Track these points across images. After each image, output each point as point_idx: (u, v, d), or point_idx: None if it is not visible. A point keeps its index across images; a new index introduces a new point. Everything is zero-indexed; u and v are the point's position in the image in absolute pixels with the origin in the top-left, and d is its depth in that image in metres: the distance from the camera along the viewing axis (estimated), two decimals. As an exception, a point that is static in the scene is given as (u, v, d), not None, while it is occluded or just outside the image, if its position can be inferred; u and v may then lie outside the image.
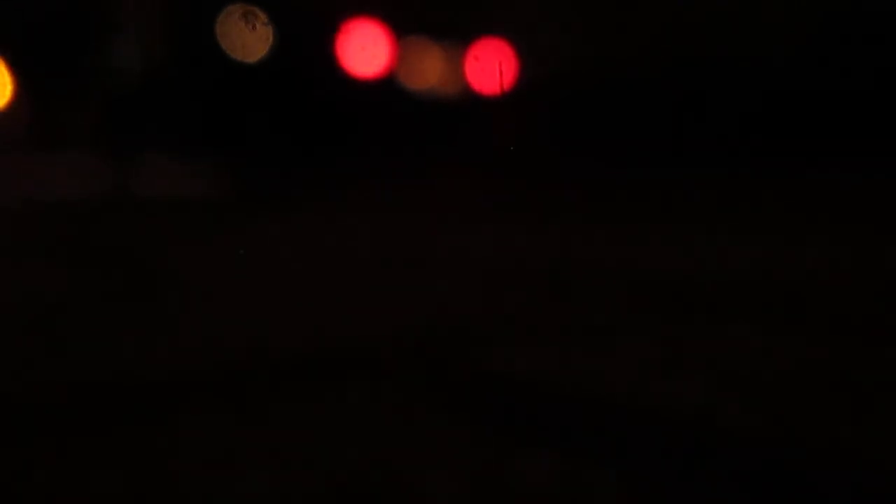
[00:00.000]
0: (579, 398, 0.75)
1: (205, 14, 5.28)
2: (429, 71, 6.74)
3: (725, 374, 0.81)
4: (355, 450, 0.62)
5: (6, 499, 0.55)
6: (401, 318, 1.13)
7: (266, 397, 0.76)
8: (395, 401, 0.75)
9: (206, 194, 4.86)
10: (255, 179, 5.95)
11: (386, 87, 6.38)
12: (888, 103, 4.67)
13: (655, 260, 1.69)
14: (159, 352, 0.94)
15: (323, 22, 5.80)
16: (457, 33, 6.48)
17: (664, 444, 0.63)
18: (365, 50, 6.17)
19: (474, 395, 0.77)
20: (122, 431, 0.67)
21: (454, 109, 6.63)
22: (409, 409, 0.72)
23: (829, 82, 4.89)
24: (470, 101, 6.61)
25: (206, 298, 1.31)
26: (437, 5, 6.26)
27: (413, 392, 0.77)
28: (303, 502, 0.53)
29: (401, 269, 1.61)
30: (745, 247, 1.88)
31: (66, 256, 1.94)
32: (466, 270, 1.59)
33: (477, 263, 1.68)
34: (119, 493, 0.55)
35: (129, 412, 0.73)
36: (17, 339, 1.04)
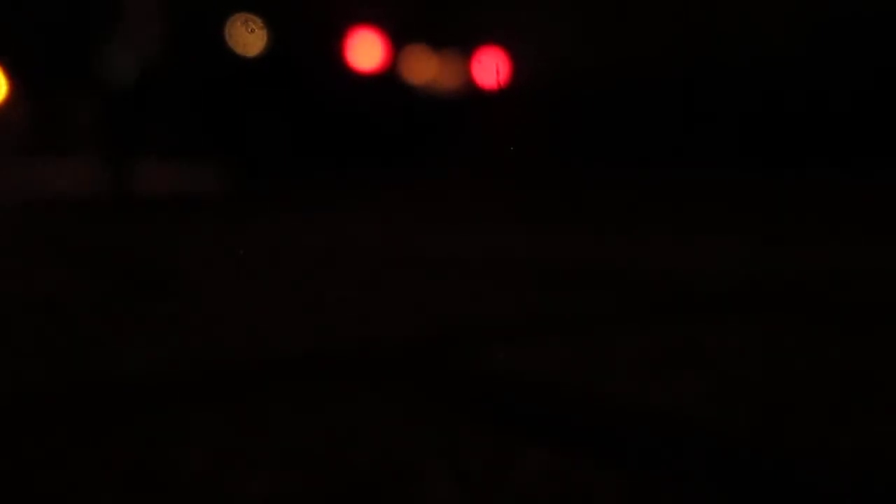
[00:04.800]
0: (579, 398, 0.75)
1: (206, 17, 5.29)
2: (429, 74, 6.76)
3: (725, 374, 0.81)
4: (355, 450, 0.62)
5: (4, 499, 0.55)
6: (400, 318, 1.13)
7: (265, 397, 0.76)
8: (394, 401, 0.74)
9: (206, 194, 4.87)
10: (256, 179, 5.96)
11: (386, 89, 6.40)
12: (887, 104, 4.67)
13: (655, 260, 1.70)
14: (158, 351, 0.94)
15: (323, 27, 5.82)
16: (458, 38, 6.51)
17: (664, 444, 0.63)
18: (364, 54, 6.19)
19: (474, 395, 0.77)
20: (120, 431, 0.67)
21: (455, 111, 6.66)
22: (409, 409, 0.72)
23: (828, 82, 4.90)
24: (471, 104, 6.63)
25: (206, 298, 1.31)
26: (437, 10, 6.28)
27: (413, 392, 0.77)
28: (303, 502, 0.53)
29: (400, 269, 1.61)
30: (744, 247, 1.88)
31: (66, 256, 1.94)
32: (466, 270, 1.59)
33: (476, 263, 1.68)
34: (119, 494, 0.55)
35: (127, 412, 0.73)
36: (16, 339, 1.04)
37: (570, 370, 0.84)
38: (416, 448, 0.62)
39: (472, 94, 6.46)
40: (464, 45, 6.39)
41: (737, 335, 0.98)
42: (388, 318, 1.13)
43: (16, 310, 1.24)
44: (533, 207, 3.46)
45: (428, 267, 1.64)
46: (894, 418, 0.68)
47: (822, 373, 0.81)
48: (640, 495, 0.54)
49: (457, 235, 2.29)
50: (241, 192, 5.11)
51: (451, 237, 2.24)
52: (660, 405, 0.72)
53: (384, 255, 1.85)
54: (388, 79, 6.26)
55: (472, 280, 1.46)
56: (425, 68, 6.41)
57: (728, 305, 1.19)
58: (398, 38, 6.20)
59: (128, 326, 1.09)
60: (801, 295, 1.26)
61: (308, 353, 0.93)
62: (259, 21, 4.81)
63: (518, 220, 2.85)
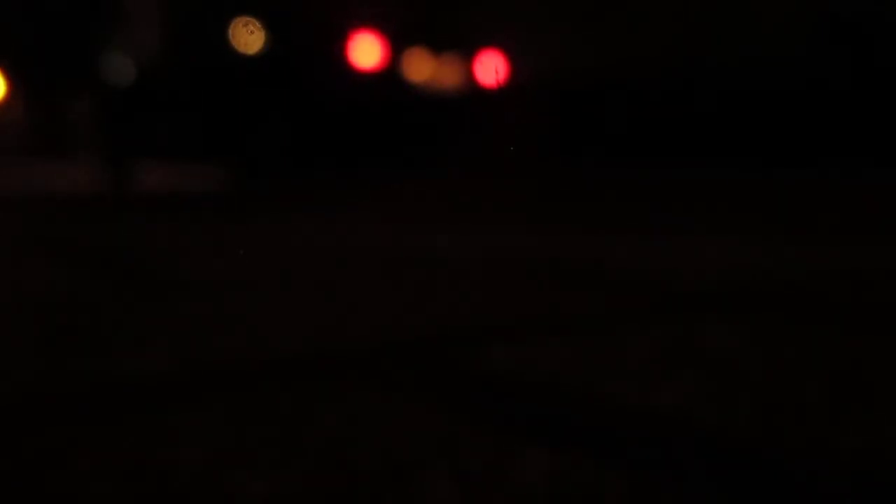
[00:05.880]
0: (579, 398, 0.75)
1: (206, 18, 5.30)
2: (429, 75, 6.77)
3: (725, 374, 0.81)
4: (354, 450, 0.62)
5: (4, 499, 0.55)
6: (400, 317, 1.13)
7: (265, 397, 0.76)
8: (394, 401, 0.74)
9: (206, 194, 4.87)
10: (256, 179, 5.96)
11: (387, 90, 6.40)
12: (887, 104, 4.67)
13: (655, 260, 1.70)
14: (158, 351, 0.94)
15: (324, 29, 5.83)
16: (457, 40, 6.52)
17: (664, 444, 0.63)
18: (365, 56, 6.20)
19: (474, 395, 0.77)
20: (120, 431, 0.67)
21: (454, 112, 6.66)
22: (409, 409, 0.72)
23: (828, 83, 4.90)
24: (470, 105, 6.64)
25: (205, 298, 1.31)
26: (437, 12, 6.29)
27: (412, 392, 0.77)
28: (303, 502, 0.53)
29: (401, 269, 1.61)
30: (744, 247, 1.88)
31: (66, 256, 1.94)
32: (465, 270, 1.59)
33: (476, 263, 1.68)
34: (118, 494, 0.55)
35: (127, 412, 0.73)
36: (16, 339, 1.04)
37: (570, 370, 0.84)
38: (416, 448, 0.62)
39: (473, 96, 6.46)
40: (463, 47, 6.39)
41: (737, 335, 0.98)
42: (389, 317, 1.13)
43: (16, 310, 1.24)
44: (533, 207, 3.46)
45: (428, 267, 1.64)
46: (894, 418, 0.68)
47: (822, 373, 0.81)
48: (640, 495, 0.54)
49: (457, 235, 2.29)
50: (241, 192, 5.11)
51: (451, 237, 2.24)
52: (660, 405, 0.72)
53: (384, 255, 1.85)
54: (388, 80, 6.26)
55: (472, 280, 1.46)
56: (425, 70, 6.41)
57: (728, 305, 1.19)
58: (398, 41, 6.20)
59: (127, 326, 1.09)
60: (800, 295, 1.26)
61: (308, 353, 0.93)
62: (259, 24, 4.85)
63: (518, 219, 2.85)
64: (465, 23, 6.21)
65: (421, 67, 6.44)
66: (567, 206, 3.55)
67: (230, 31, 4.98)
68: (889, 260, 1.65)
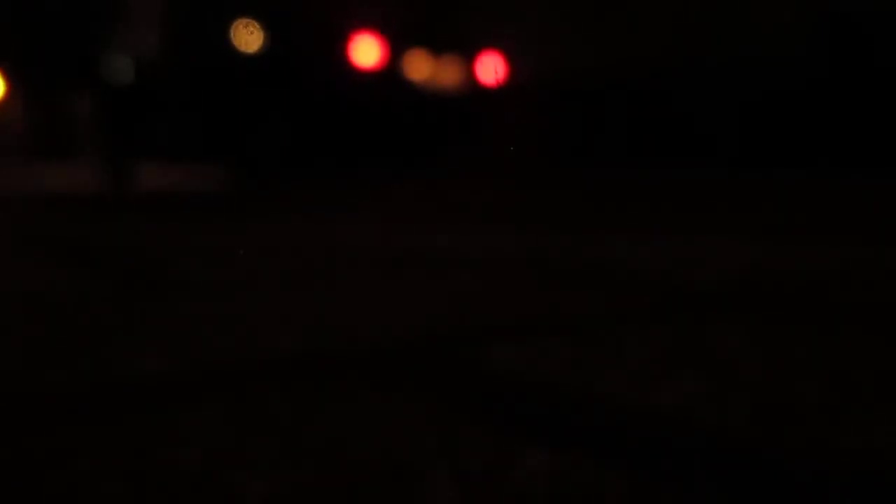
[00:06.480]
0: (579, 398, 0.75)
1: (206, 18, 5.30)
2: (429, 76, 6.77)
3: (725, 374, 0.81)
4: (354, 450, 0.62)
5: (5, 499, 0.55)
6: (400, 317, 1.13)
7: (265, 397, 0.76)
8: (394, 401, 0.74)
9: (206, 194, 4.87)
10: (256, 179, 5.95)
11: (387, 91, 6.40)
12: (887, 104, 4.67)
13: (655, 260, 1.70)
14: (158, 351, 0.94)
15: (325, 30, 5.83)
16: (458, 41, 6.51)
17: (664, 444, 0.63)
18: (365, 57, 6.20)
19: (474, 395, 0.77)
20: (120, 431, 0.67)
21: (454, 111, 6.65)
22: (409, 408, 0.72)
23: (828, 82, 4.89)
24: (470, 104, 6.63)
25: (205, 297, 1.31)
26: (438, 14, 6.29)
27: (412, 392, 0.77)
28: (303, 502, 0.53)
29: (400, 269, 1.61)
30: (744, 247, 1.88)
31: (66, 256, 1.94)
32: (466, 270, 1.59)
33: (476, 263, 1.68)
34: (118, 494, 0.55)
35: (127, 412, 0.73)
36: (16, 339, 1.04)
37: (570, 370, 0.84)
38: (416, 448, 0.62)
39: (473, 96, 6.46)
40: (463, 47, 6.39)
41: (737, 335, 0.98)
42: (389, 318, 1.13)
43: (15, 309, 1.24)
44: (533, 207, 3.46)
45: (428, 267, 1.64)
46: (894, 418, 0.68)
47: (822, 372, 0.81)
48: (640, 495, 0.54)
49: (457, 235, 2.29)
50: (241, 192, 5.11)
51: (451, 237, 2.24)
52: (660, 405, 0.72)
53: (384, 255, 1.85)
54: (388, 80, 6.26)
55: (472, 280, 1.46)
56: (425, 70, 6.41)
57: (728, 305, 1.19)
58: (398, 41, 6.20)
59: (127, 326, 1.09)
60: (800, 295, 1.26)
61: (308, 353, 0.93)
62: (259, 24, 4.87)
63: (518, 219, 2.86)
64: (465, 23, 6.21)
65: (421, 67, 6.44)
66: (567, 206, 3.55)
67: (230, 32, 4.99)
68: (889, 260, 1.65)
